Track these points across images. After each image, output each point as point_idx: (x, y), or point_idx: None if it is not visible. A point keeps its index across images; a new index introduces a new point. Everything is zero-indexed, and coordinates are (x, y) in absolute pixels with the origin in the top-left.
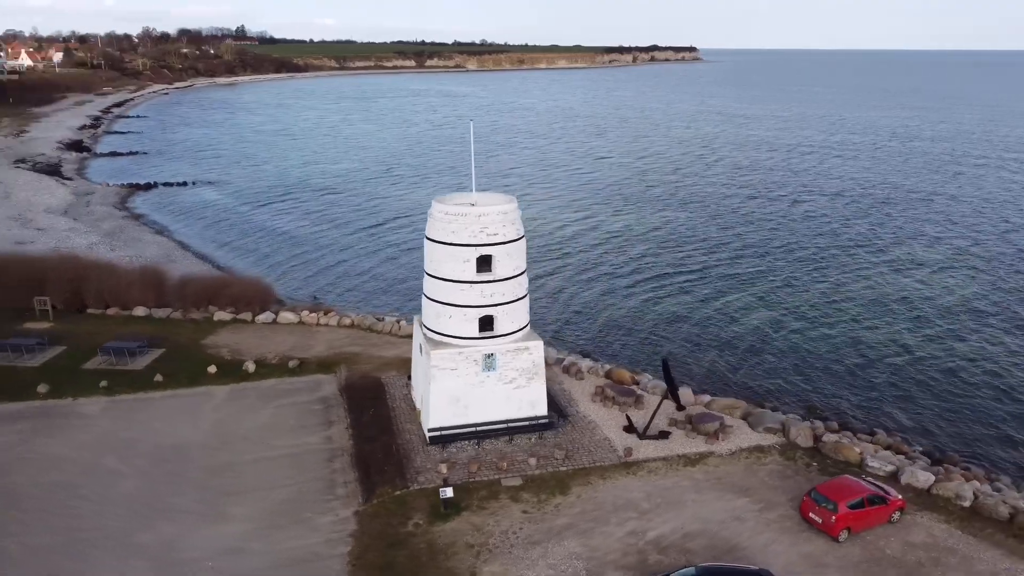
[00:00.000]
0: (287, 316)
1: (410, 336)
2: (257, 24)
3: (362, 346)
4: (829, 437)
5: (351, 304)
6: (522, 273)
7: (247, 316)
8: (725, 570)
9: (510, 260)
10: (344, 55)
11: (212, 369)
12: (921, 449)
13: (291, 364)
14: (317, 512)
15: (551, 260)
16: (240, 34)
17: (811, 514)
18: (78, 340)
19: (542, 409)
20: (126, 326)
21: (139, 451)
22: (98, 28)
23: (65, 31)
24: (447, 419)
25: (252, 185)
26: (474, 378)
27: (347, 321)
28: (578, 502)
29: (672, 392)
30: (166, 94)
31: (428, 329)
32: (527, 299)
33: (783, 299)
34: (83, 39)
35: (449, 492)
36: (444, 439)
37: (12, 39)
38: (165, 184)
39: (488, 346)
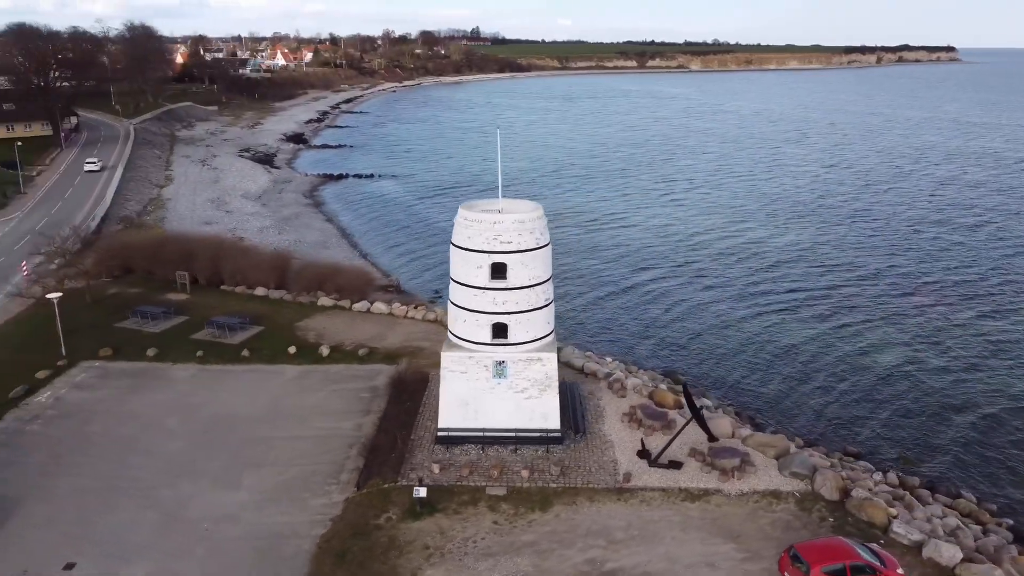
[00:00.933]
0: (379, 307)
1: None
2: (496, 26)
3: (432, 341)
4: (858, 492)
5: None
6: (541, 283)
7: (346, 303)
8: None
9: (525, 269)
10: (567, 55)
11: (292, 350)
12: (1011, 523)
13: (361, 352)
14: (315, 493)
15: (668, 267)
16: (474, 35)
17: (786, 572)
18: (200, 312)
19: (554, 422)
20: (243, 304)
21: (198, 416)
22: (356, 30)
23: (324, 33)
24: (456, 421)
25: (427, 179)
26: (484, 384)
27: (431, 316)
28: (553, 521)
29: (699, 421)
30: (394, 91)
31: (449, 332)
32: (548, 310)
33: (912, 334)
34: (335, 41)
35: (422, 492)
36: (451, 440)
37: (278, 41)
38: (355, 176)
39: (499, 353)
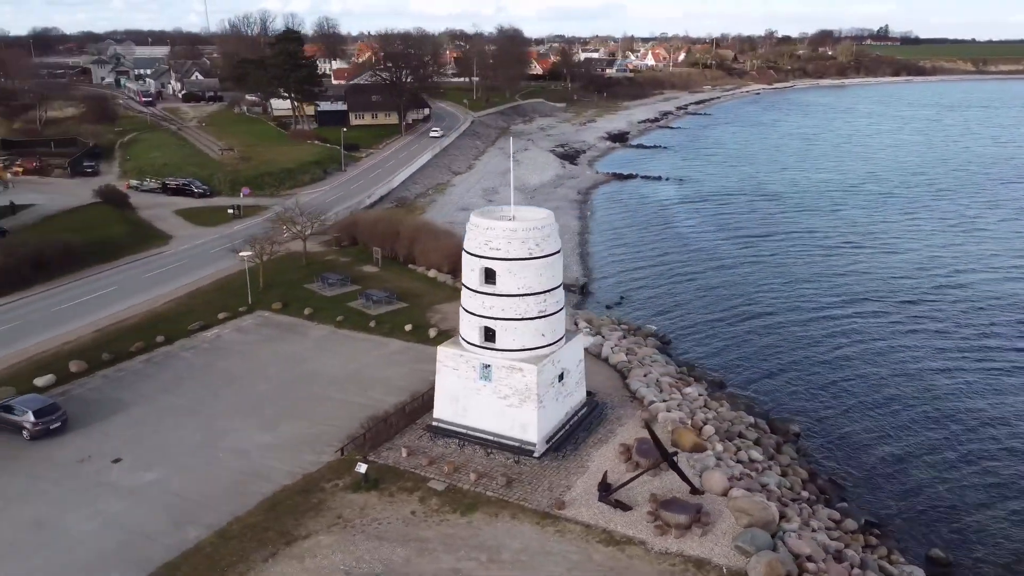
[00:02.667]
0: None
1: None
2: (913, 23)
3: None
4: None
5: (643, 311)
6: (533, 294)
7: None
8: None
9: (512, 278)
10: (985, 56)
11: (408, 327)
12: None
13: None
14: (313, 451)
15: (887, 303)
16: (881, 35)
17: None
18: (373, 284)
19: (531, 435)
20: (411, 282)
21: (296, 369)
22: (757, 30)
23: (717, 33)
24: (447, 415)
25: (710, 186)
26: (472, 384)
27: None
28: (461, 526)
29: (673, 467)
30: (757, 94)
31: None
32: (542, 322)
33: None
34: (717, 42)
35: (363, 468)
36: (441, 432)
37: (664, 41)
38: (643, 177)
39: (486, 357)
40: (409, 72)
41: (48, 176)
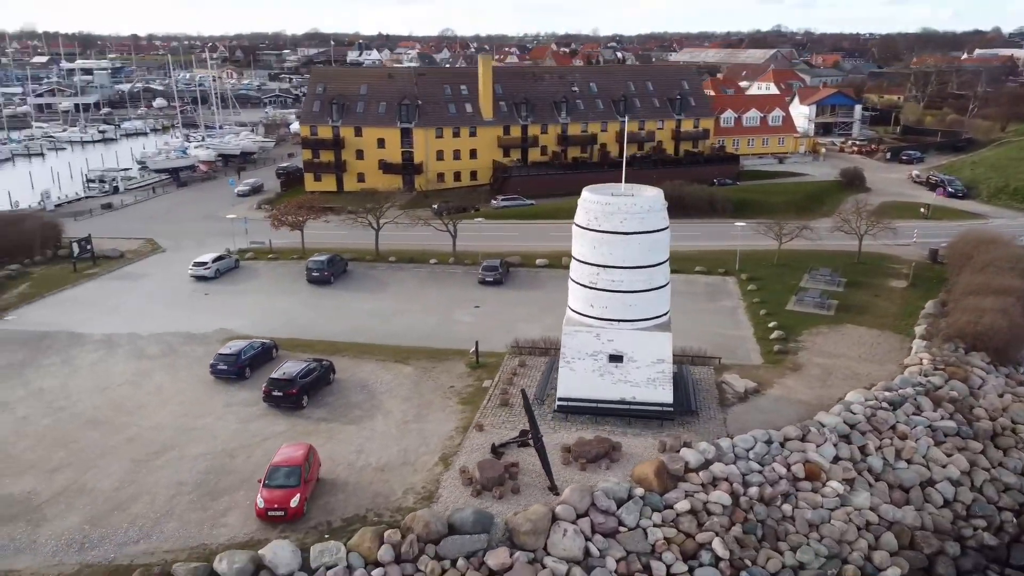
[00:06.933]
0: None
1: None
2: None
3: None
4: None
5: None
6: (586, 262)
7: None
8: None
9: (576, 242)
10: None
11: (776, 327)
12: None
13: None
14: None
15: None
16: None
17: None
18: (854, 298)
19: (554, 386)
20: (897, 304)
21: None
22: None
23: None
24: None
25: None
26: None
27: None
28: (429, 409)
29: (539, 455)
30: None
31: None
32: (594, 293)
33: None
34: None
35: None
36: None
37: None
38: None
39: None
40: None
41: (870, 158)
